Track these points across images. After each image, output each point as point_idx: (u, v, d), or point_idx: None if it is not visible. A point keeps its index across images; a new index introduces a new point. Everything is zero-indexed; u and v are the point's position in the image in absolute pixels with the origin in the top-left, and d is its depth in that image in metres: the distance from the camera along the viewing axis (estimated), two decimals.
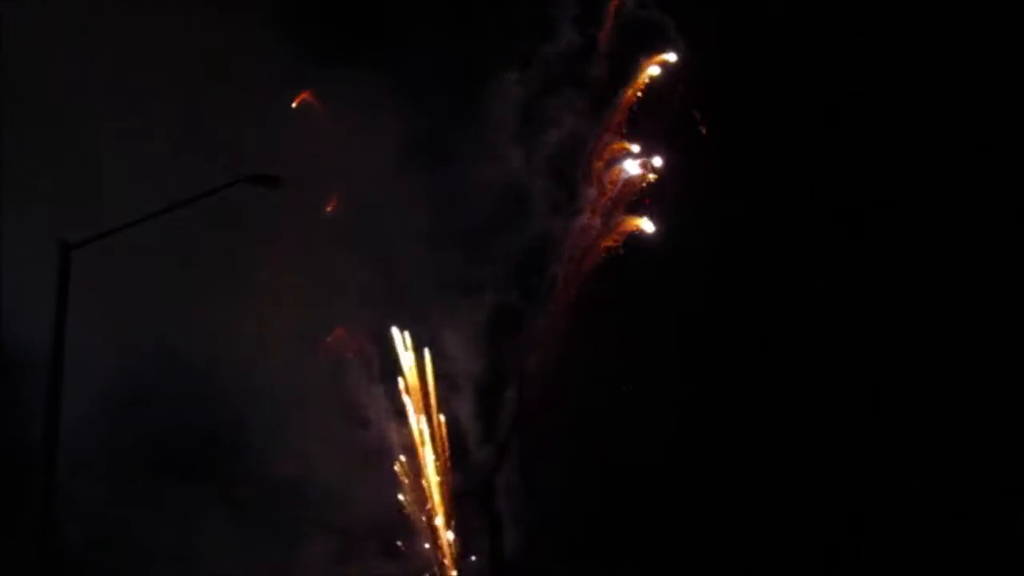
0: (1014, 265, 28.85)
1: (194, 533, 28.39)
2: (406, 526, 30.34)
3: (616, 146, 31.37)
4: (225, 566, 27.98)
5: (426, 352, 30.60)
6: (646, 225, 30.55)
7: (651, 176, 31.04)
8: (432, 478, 29.39)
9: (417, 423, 29.72)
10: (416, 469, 30.08)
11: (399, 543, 30.53)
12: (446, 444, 30.19)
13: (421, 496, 29.99)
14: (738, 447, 29.25)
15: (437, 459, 29.76)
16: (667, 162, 31.28)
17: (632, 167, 31.35)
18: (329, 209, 30.90)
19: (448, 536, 29.49)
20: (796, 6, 30.77)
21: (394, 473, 29.69)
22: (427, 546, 30.00)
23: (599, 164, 31.52)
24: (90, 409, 24.52)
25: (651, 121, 31.56)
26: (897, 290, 29.57)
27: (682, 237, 31.07)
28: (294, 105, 30.49)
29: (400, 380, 30.48)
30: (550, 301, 31.91)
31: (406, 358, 30.37)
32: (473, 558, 29.70)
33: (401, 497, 30.17)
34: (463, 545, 29.60)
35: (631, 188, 31.27)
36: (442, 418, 30.62)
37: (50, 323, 17.89)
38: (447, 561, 29.21)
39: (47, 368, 17.81)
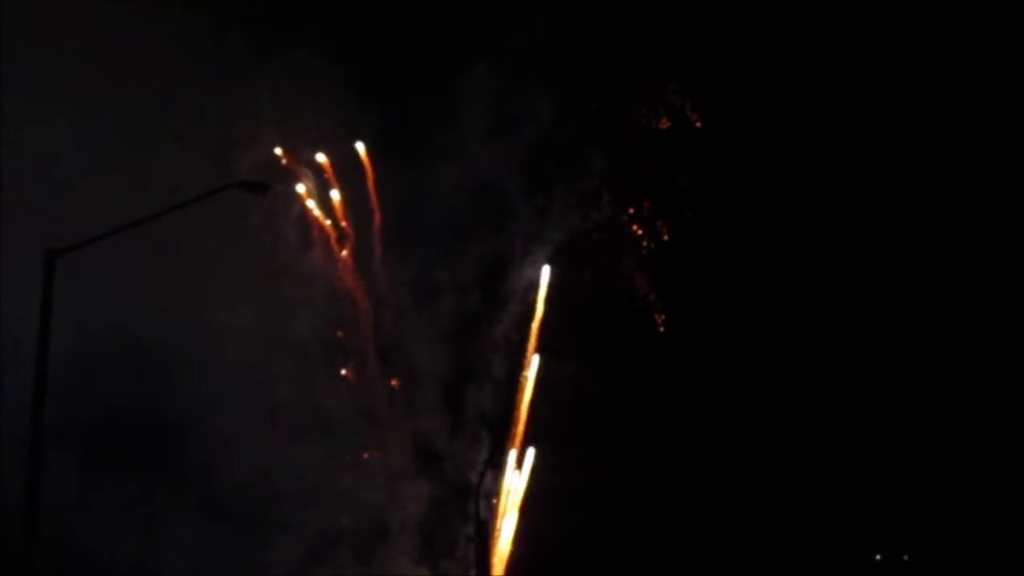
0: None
1: (154, 530, 28.64)
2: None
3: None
4: (188, 565, 28.28)
5: None
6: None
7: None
8: None
9: None
10: None
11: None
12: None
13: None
14: (732, 452, 30.16)
15: None
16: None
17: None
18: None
19: None
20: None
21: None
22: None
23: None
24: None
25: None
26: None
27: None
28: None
29: None
30: (515, 305, 32.55)
31: None
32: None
33: None
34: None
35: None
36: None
37: (36, 327, 18.54)
38: None
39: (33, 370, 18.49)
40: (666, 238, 31.92)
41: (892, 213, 31.15)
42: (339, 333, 31.84)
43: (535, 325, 32.27)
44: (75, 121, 26.51)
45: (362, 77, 31.94)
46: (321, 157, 31.95)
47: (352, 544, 30.15)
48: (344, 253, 32.38)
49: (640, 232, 32.03)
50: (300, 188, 31.67)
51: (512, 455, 30.77)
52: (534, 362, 31.77)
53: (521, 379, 31.53)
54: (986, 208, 30.53)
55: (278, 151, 31.23)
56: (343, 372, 31.81)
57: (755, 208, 31.84)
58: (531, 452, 30.72)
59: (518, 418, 31.22)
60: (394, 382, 32.11)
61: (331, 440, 30.25)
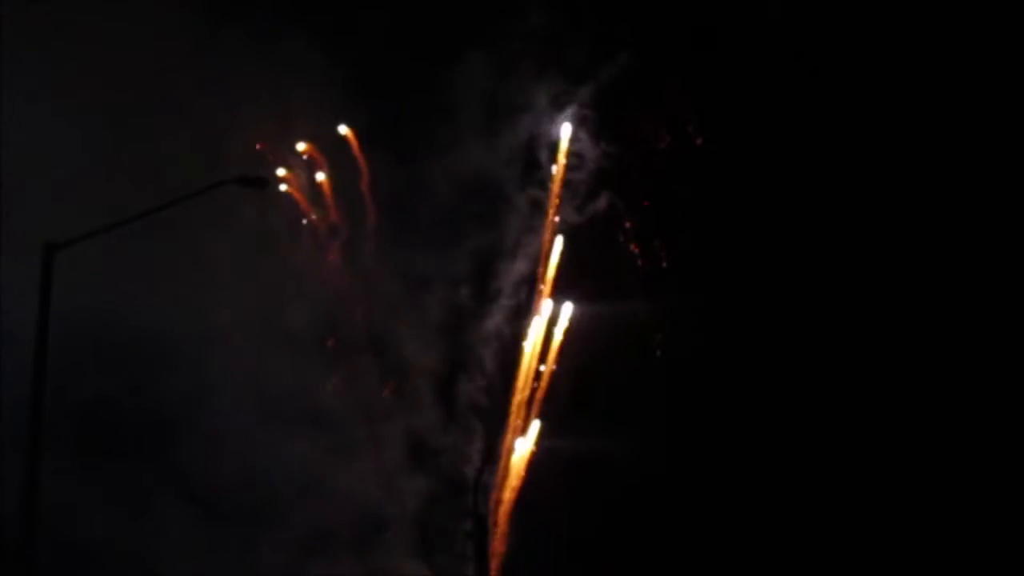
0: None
1: (148, 527, 28.77)
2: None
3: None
4: (183, 561, 28.41)
5: None
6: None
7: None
8: None
9: None
10: None
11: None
12: None
13: None
14: (736, 447, 30.50)
15: None
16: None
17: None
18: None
19: None
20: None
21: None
22: None
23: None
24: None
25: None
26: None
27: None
28: None
29: None
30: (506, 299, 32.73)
31: None
32: None
33: None
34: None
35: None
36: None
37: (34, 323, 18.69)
38: None
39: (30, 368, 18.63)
40: (664, 264, 32.20)
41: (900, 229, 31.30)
42: (333, 326, 31.96)
43: (556, 185, 32.33)
44: (72, 118, 26.71)
45: (355, 69, 32.13)
46: (314, 148, 32.12)
47: (348, 540, 30.34)
48: (337, 245, 32.59)
49: (636, 250, 32.25)
50: (284, 175, 31.89)
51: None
52: (558, 242, 32.12)
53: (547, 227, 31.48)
54: (991, 218, 30.67)
55: (272, 145, 31.40)
56: (336, 366, 32.00)
57: (756, 221, 31.98)
58: (568, 306, 31.05)
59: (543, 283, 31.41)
60: (386, 392, 32.27)
61: (326, 435, 30.39)
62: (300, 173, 32.05)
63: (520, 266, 32.82)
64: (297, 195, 31.91)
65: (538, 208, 32.87)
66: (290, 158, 31.93)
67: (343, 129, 32.47)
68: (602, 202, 32.59)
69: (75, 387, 27.27)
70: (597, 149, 33.13)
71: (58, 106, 26.84)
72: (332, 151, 32.43)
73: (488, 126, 32.55)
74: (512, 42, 32.63)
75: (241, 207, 29.03)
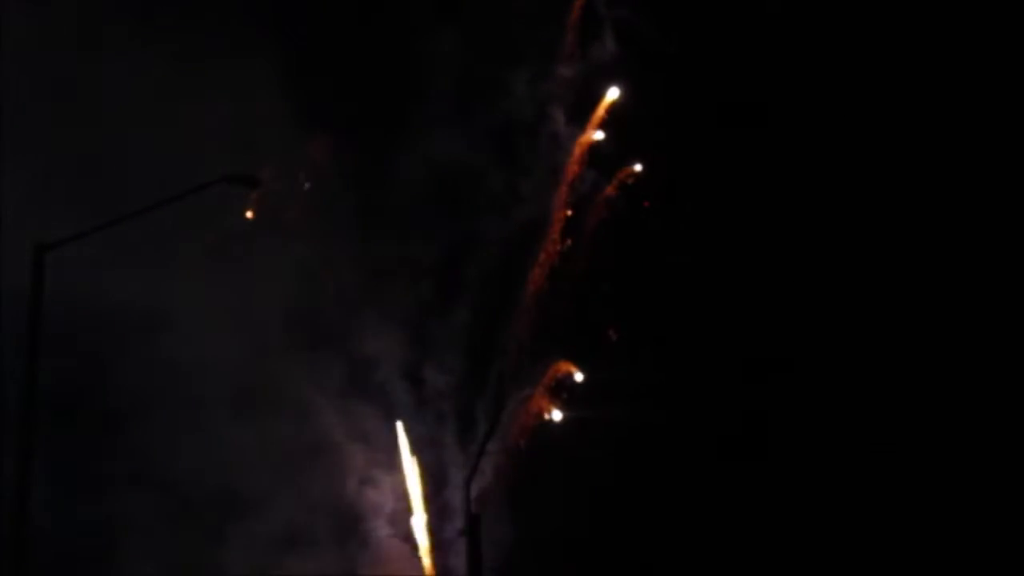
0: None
1: (114, 521, 29.05)
2: None
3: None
4: (142, 556, 28.84)
5: None
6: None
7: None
8: None
9: None
10: None
11: None
12: None
13: None
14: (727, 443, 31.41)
15: None
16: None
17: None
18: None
19: None
20: None
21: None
22: None
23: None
24: None
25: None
26: None
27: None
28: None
29: None
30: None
31: None
32: None
33: None
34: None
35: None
36: None
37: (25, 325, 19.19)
38: None
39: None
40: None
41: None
42: (303, 319, 32.22)
43: None
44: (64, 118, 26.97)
45: (320, 52, 32.21)
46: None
47: (327, 536, 30.77)
48: (305, 240, 32.81)
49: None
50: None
51: None
52: None
53: None
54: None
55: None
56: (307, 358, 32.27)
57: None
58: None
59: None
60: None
61: (303, 430, 30.77)
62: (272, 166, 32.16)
63: (495, 255, 33.25)
64: (276, 198, 32.05)
65: (513, 194, 33.30)
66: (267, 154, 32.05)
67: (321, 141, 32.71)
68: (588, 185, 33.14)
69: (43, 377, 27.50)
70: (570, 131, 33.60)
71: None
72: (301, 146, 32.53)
73: (462, 109, 32.70)
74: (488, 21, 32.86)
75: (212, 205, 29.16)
